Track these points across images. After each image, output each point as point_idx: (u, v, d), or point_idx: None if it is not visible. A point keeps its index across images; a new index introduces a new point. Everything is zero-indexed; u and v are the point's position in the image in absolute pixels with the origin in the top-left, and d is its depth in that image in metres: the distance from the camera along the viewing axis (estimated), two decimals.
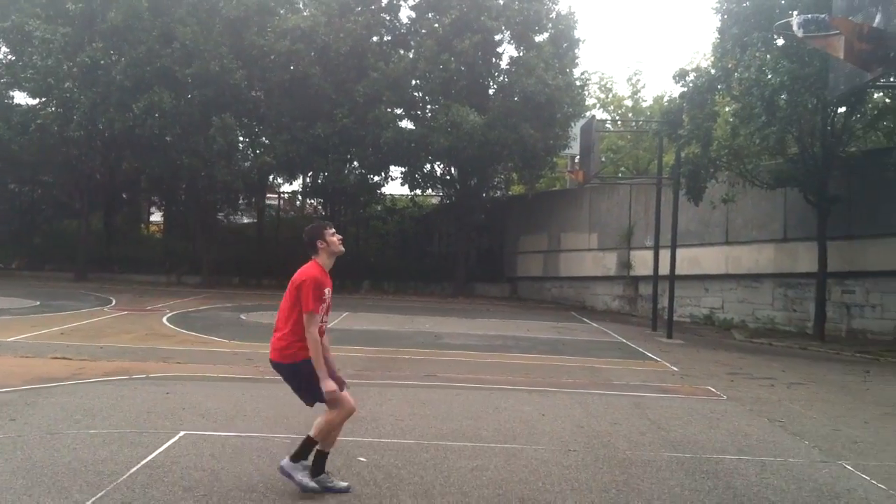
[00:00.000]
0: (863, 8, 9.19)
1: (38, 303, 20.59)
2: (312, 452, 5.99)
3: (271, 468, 6.39)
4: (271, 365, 6.09)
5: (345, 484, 6.04)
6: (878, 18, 8.40)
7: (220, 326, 17.27)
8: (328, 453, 6.06)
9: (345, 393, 6.02)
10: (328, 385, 5.78)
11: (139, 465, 6.31)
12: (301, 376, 5.93)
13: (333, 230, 6.21)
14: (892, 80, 13.04)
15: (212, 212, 31.65)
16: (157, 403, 8.70)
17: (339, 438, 7.44)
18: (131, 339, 14.39)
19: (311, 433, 5.95)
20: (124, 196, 34.95)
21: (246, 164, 29.38)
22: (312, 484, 5.90)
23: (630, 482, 6.53)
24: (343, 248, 6.21)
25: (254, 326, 17.72)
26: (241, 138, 30.04)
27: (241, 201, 32.55)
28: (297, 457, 5.97)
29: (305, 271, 5.98)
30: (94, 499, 5.52)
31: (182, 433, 7.39)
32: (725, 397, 10.94)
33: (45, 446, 6.29)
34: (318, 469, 5.97)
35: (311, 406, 6.14)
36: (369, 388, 10.25)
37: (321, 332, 5.90)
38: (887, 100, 18.35)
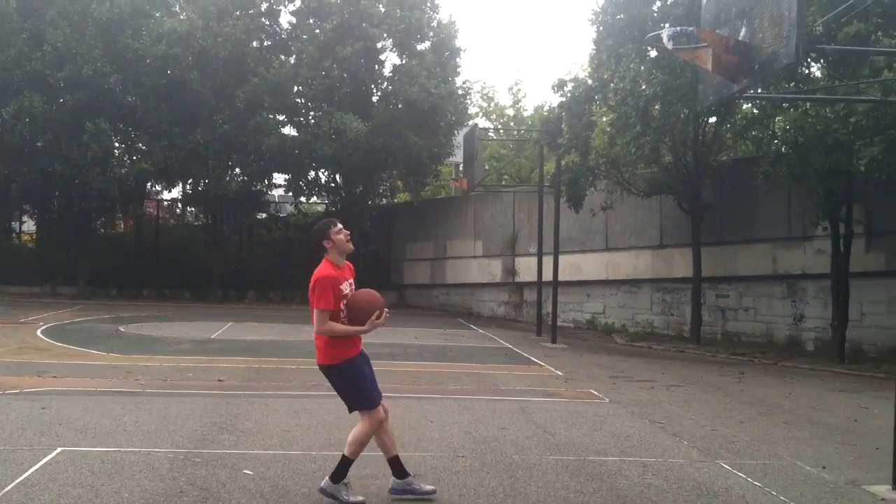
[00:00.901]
0: (729, 22, 9.57)
1: None
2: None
3: (153, 483, 6.22)
4: (321, 367, 6.25)
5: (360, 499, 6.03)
6: (742, 32, 8.75)
7: (98, 339, 16.67)
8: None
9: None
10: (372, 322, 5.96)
11: (13, 484, 6.03)
12: (344, 377, 6.10)
13: (340, 227, 6.20)
14: (758, 91, 13.62)
15: (87, 220, 30.54)
16: (31, 419, 8.33)
17: (222, 451, 7.34)
18: (4, 352, 13.79)
19: (346, 451, 6.01)
20: None
21: (122, 170, 28.45)
22: (359, 498, 5.96)
23: (517, 486, 6.60)
24: (351, 246, 6.26)
25: (133, 338, 17.20)
26: (116, 144, 29.07)
27: (117, 210, 31.49)
28: (337, 477, 5.96)
29: (318, 271, 6.09)
30: None
31: (59, 450, 7.09)
32: (608, 400, 11.21)
33: None
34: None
35: (350, 412, 6.28)
36: (254, 399, 10.10)
37: None
38: (755, 110, 19.17)
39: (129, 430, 8.09)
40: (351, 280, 6.20)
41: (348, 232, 6.26)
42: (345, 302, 6.04)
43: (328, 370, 6.13)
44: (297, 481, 6.48)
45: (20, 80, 25.86)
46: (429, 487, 6.20)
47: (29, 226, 35.95)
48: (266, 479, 6.49)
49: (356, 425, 6.11)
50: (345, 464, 5.98)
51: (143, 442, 7.59)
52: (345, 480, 5.97)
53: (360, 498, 6.02)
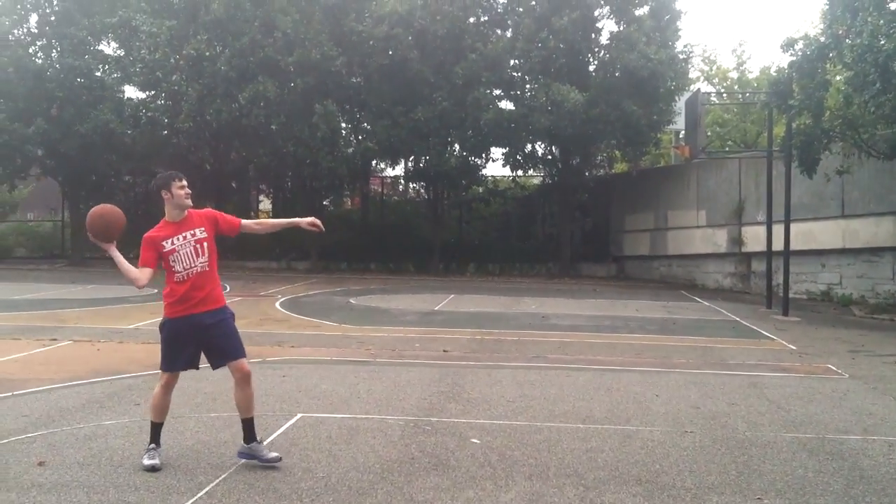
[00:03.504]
0: None
1: (156, 290, 21.27)
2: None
3: (386, 449, 6.48)
4: None
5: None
6: None
7: (331, 310, 17.56)
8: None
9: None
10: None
11: None
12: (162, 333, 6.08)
13: (183, 183, 6.07)
14: None
15: (318, 198, 32.18)
16: (273, 386, 8.90)
17: (449, 420, 7.52)
18: (246, 324, 14.63)
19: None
20: (233, 185, 35.85)
21: (349, 150, 29.74)
22: (275, 454, 6.07)
23: (750, 463, 6.36)
24: (189, 202, 6.08)
25: (363, 310, 17.96)
26: (343, 125, 30.46)
27: (345, 187, 32.97)
28: (249, 439, 6.09)
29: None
30: (217, 480, 5.67)
31: (299, 415, 7.54)
32: (847, 376, 10.56)
33: (168, 429, 6.48)
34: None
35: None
36: (478, 369, 10.28)
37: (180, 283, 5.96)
38: None
39: (362, 397, 8.46)
40: (194, 230, 6.07)
41: (189, 191, 6.11)
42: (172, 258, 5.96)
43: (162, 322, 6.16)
44: (523, 451, 6.54)
45: (254, 67, 27.53)
46: (274, 454, 6.07)
47: (265, 204, 38.38)
48: (493, 449, 6.59)
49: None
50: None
51: (376, 409, 7.92)
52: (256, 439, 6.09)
53: (275, 454, 6.09)
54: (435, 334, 13.88)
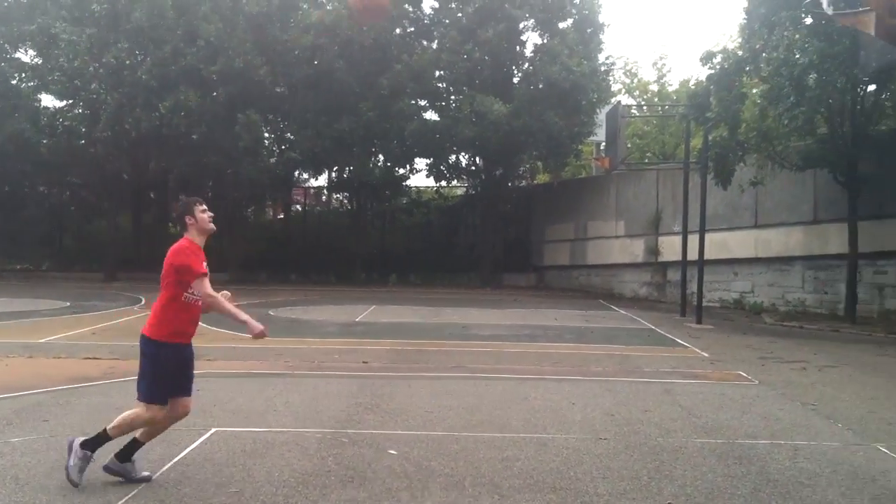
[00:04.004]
0: None
1: (68, 303, 20.81)
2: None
3: (302, 462, 6.43)
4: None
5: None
6: None
7: None
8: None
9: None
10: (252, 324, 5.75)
11: (171, 463, 6.35)
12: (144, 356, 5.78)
13: (204, 207, 5.99)
14: None
15: (238, 209, 31.82)
16: None
17: (366, 431, 7.50)
18: None
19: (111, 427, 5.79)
20: (152, 196, 35.21)
21: (272, 160, 29.51)
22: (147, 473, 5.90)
23: (662, 469, 6.48)
24: (213, 226, 6.01)
25: (282, 321, 17.81)
26: (266, 134, 30.18)
27: (267, 198, 32.70)
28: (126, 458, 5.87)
29: (179, 244, 5.83)
30: (126, 497, 5.55)
31: (213, 430, 7.43)
32: (757, 382, 10.85)
33: None
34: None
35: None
36: (397, 380, 10.28)
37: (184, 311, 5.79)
38: None
39: (279, 410, 8.39)
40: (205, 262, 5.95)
41: (212, 214, 6.08)
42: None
43: (142, 341, 5.81)
44: (440, 462, 6.56)
45: (176, 76, 27.15)
46: (145, 474, 5.92)
47: None
48: (410, 460, 6.60)
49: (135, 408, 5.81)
50: (102, 439, 5.80)
51: (293, 422, 7.85)
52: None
53: (147, 473, 5.93)
54: (355, 345, 13.83)
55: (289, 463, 6.43)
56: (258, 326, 5.75)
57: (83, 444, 5.74)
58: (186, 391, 5.91)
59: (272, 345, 13.66)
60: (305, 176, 35.14)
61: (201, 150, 27.86)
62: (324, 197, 37.78)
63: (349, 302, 22.84)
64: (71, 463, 5.69)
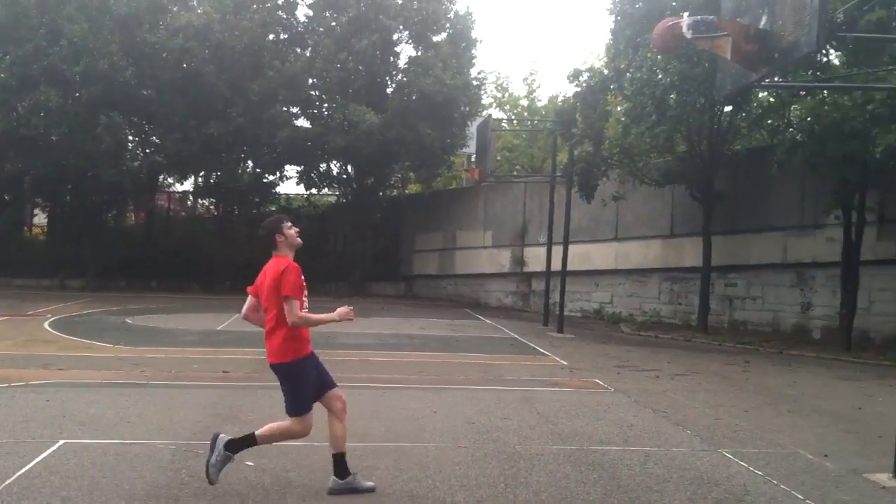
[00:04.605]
0: (750, 10, 9.50)
1: None
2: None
3: (154, 475, 6.26)
4: (272, 367, 6.17)
5: None
6: (763, 20, 8.70)
7: (105, 331, 16.78)
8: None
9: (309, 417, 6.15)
10: (341, 310, 6.02)
11: (14, 477, 6.06)
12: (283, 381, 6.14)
13: (290, 223, 6.16)
14: (776, 79, 13.56)
15: (98, 213, 30.71)
16: (36, 412, 8.38)
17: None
18: (10, 345, 13.85)
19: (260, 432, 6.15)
20: (6, 197, 33.50)
21: (135, 163, 28.61)
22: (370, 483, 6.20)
23: (518, 475, 6.61)
24: (300, 241, 6.19)
25: (140, 330, 17.32)
26: (130, 137, 29.23)
27: (129, 202, 31.67)
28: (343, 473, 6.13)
29: (279, 262, 5.95)
30: None
31: (62, 442, 7.14)
32: (612, 389, 11.20)
33: None
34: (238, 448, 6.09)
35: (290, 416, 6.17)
36: (258, 391, 10.11)
37: None
38: (771, 99, 19.07)
39: (132, 422, 8.13)
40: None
41: (298, 229, 6.23)
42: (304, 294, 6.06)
43: (279, 369, 6.12)
44: (298, 473, 6.52)
45: (37, 75, 25.96)
46: (369, 484, 6.17)
47: (40, 218, 36.11)
48: (267, 471, 6.53)
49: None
50: (248, 443, 6.16)
51: (146, 434, 7.63)
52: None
53: (371, 483, 6.18)
54: (216, 355, 13.56)
55: (141, 475, 6.25)
56: (343, 309, 6.05)
57: (227, 445, 5.93)
58: (332, 384, 6.26)
59: (128, 354, 13.28)
60: (171, 180, 34.22)
61: (61, 151, 26.72)
62: (189, 202, 36.84)
63: (212, 310, 22.30)
64: (212, 460, 5.86)
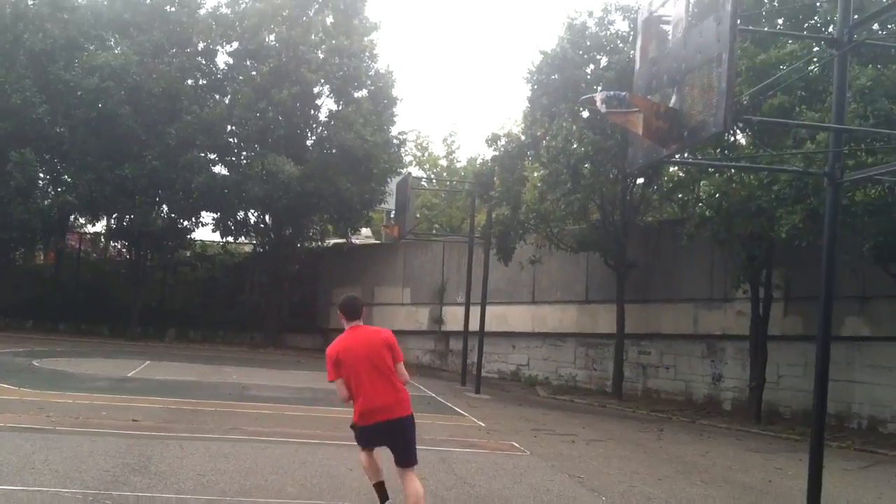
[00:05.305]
0: (661, 88, 9.83)
1: None
2: None
3: None
4: (398, 422, 6.49)
5: None
6: (673, 99, 9.01)
7: (10, 372, 16.10)
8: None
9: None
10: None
11: None
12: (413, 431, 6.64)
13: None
14: (685, 156, 13.98)
15: (6, 251, 29.72)
16: None
17: (132, 494, 7.13)
18: None
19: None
20: None
21: (46, 202, 27.85)
22: None
23: None
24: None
25: (47, 373, 16.71)
26: (41, 175, 28.45)
27: (38, 241, 30.69)
28: None
29: (381, 330, 6.76)
30: None
31: None
32: (529, 453, 11.21)
33: None
34: None
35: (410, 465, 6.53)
36: (170, 441, 9.84)
37: None
38: (681, 174, 19.68)
39: (37, 468, 7.81)
40: None
41: None
42: None
43: (411, 421, 6.63)
44: None
45: None
46: None
47: None
48: None
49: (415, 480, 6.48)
50: None
51: (52, 481, 7.34)
52: None
53: None
54: (126, 402, 13.12)
55: None
56: None
57: None
58: None
59: (33, 398, 12.79)
60: (82, 221, 33.34)
61: None
62: (101, 244, 35.90)
63: (122, 356, 21.66)
64: None
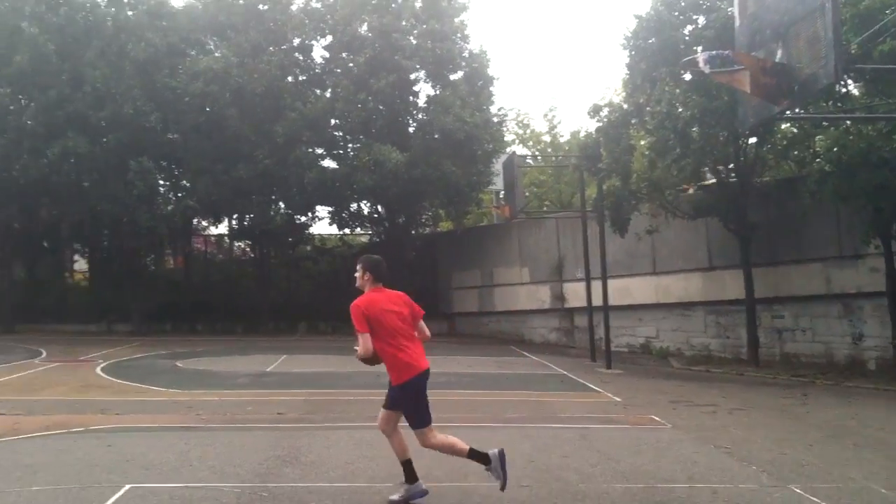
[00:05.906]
0: (764, 44, 9.49)
1: None
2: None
3: None
4: (427, 373, 6.90)
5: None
6: (779, 54, 8.68)
7: (157, 375, 16.82)
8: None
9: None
10: None
11: None
12: None
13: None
14: (797, 112, 13.51)
15: (137, 258, 30.97)
16: (99, 457, 8.39)
17: (285, 485, 7.32)
18: (66, 390, 13.95)
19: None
20: (45, 244, 33.90)
21: (168, 207, 28.84)
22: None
23: None
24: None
25: (191, 373, 17.36)
26: (161, 182, 29.46)
27: (166, 246, 31.90)
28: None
29: (401, 293, 7.45)
30: None
31: (128, 486, 7.12)
32: (670, 426, 11.05)
33: None
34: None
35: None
36: (314, 431, 10.08)
37: None
38: (794, 130, 18.96)
39: (194, 465, 8.11)
40: None
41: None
42: None
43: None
44: None
45: (62, 121, 26.26)
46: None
47: (81, 264, 36.50)
48: None
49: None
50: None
51: (210, 477, 7.60)
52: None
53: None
54: (268, 396, 13.54)
55: None
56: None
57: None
58: None
59: (182, 398, 13.30)
60: (205, 224, 34.50)
61: (94, 197, 27.03)
62: (225, 245, 37.07)
63: (258, 352, 22.34)
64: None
